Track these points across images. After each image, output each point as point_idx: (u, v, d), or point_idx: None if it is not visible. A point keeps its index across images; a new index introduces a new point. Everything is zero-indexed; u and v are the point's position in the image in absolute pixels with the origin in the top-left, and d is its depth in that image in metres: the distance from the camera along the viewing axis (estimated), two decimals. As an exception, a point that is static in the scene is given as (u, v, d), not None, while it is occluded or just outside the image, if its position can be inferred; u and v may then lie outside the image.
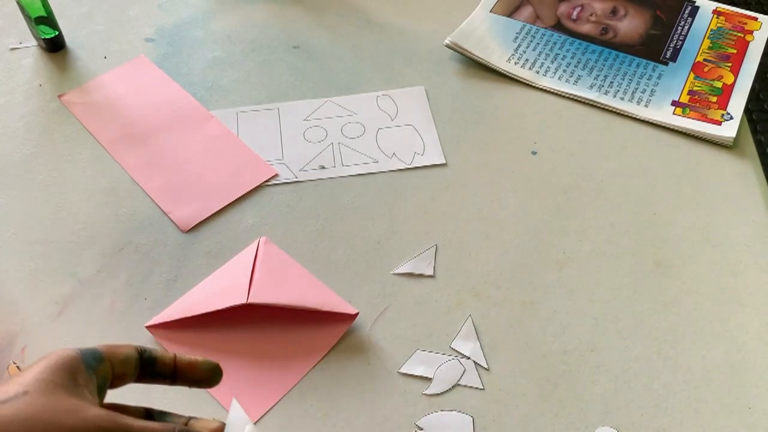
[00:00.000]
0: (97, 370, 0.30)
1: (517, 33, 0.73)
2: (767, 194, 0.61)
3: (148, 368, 0.33)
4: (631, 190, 0.61)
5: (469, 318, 0.53)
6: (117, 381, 0.32)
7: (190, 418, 0.34)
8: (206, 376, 0.34)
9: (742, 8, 0.77)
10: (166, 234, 0.57)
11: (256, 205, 0.59)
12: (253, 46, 0.73)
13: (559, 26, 0.74)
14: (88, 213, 0.59)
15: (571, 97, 0.68)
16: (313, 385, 0.49)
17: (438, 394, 0.49)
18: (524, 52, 0.72)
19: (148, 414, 0.33)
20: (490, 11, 0.76)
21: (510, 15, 0.76)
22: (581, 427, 0.47)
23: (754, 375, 0.50)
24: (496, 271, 0.55)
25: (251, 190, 0.60)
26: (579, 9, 0.76)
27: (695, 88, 0.68)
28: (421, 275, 0.55)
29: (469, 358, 0.50)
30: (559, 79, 0.69)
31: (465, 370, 0.50)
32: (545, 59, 0.71)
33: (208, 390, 0.48)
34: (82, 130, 0.65)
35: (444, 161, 0.63)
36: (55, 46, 0.71)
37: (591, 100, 0.67)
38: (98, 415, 0.27)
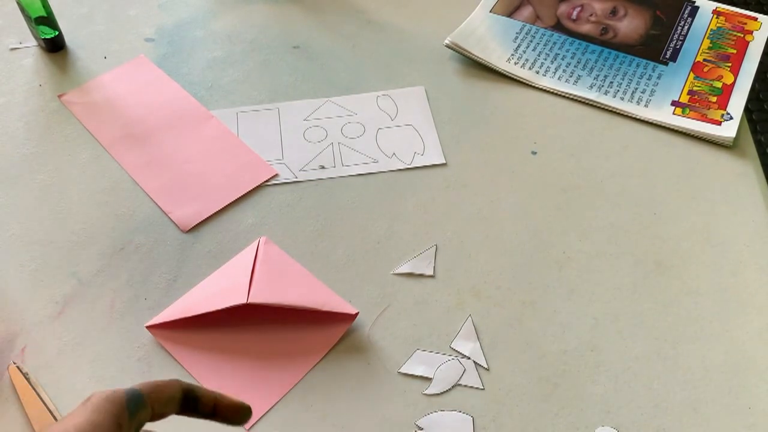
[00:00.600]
0: (138, 415, 0.30)
1: (516, 33, 0.73)
2: (767, 194, 0.61)
3: (191, 405, 0.33)
4: (631, 190, 0.61)
5: (469, 318, 0.53)
6: (156, 417, 0.32)
7: (215, 399, 0.34)
8: (241, 420, 0.35)
9: (742, 8, 0.77)
10: (167, 234, 0.57)
11: (256, 205, 0.59)
12: (253, 46, 0.73)
13: (559, 26, 0.74)
14: (88, 213, 0.59)
15: (571, 97, 0.68)
16: (313, 385, 0.49)
17: (438, 394, 0.49)
18: (524, 52, 0.72)
19: (185, 400, 0.33)
20: (490, 11, 0.76)
21: (510, 15, 0.76)
22: (581, 427, 0.47)
23: (755, 375, 0.50)
24: (496, 271, 0.55)
25: (251, 190, 0.60)
26: (579, 9, 0.76)
27: (695, 88, 0.68)
28: (421, 275, 0.55)
29: (469, 358, 0.50)
30: (559, 79, 0.69)
31: (465, 370, 0.50)
32: (545, 59, 0.71)
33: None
34: (82, 130, 0.65)
35: (444, 161, 0.63)
36: (55, 46, 0.71)
37: (591, 100, 0.67)
38: None
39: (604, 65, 0.70)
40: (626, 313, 0.53)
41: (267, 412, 0.48)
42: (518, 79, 0.69)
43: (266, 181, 0.61)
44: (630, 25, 0.74)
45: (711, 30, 0.74)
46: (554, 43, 0.73)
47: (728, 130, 0.64)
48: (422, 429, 0.47)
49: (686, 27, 0.74)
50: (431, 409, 0.48)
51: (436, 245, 0.57)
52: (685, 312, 0.53)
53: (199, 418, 0.34)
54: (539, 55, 0.71)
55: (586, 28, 0.74)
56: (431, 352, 0.51)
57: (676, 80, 0.69)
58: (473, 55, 0.70)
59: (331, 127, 0.65)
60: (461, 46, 0.71)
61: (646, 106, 0.67)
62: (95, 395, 0.30)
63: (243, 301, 0.50)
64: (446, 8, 0.77)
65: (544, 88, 0.69)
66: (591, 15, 0.75)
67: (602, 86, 0.68)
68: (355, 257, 0.56)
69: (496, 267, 0.56)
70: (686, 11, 0.76)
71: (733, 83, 0.68)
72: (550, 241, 0.57)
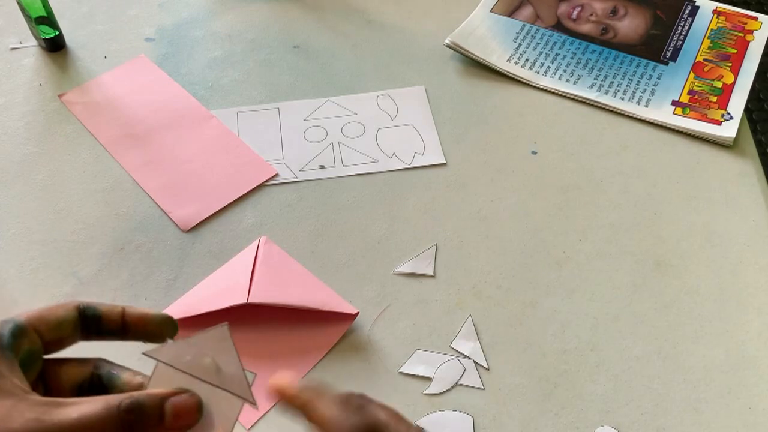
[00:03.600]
0: (15, 345, 0.27)
1: (517, 33, 0.73)
2: (767, 194, 0.61)
3: (93, 326, 0.30)
4: (631, 190, 0.61)
5: (469, 318, 0.53)
6: (53, 347, 0.30)
7: (124, 307, 0.31)
8: (159, 330, 0.32)
9: (742, 8, 0.77)
10: (167, 234, 0.57)
11: (257, 205, 0.59)
12: (253, 46, 0.73)
13: (559, 26, 0.74)
14: (89, 212, 0.59)
15: (571, 96, 0.68)
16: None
17: (438, 394, 0.49)
18: (524, 51, 0.72)
19: (96, 376, 0.31)
20: (490, 11, 0.76)
21: (510, 15, 0.76)
22: (581, 427, 0.47)
23: (755, 374, 0.50)
24: (496, 271, 0.55)
25: (251, 189, 0.60)
26: (579, 9, 0.76)
27: (695, 88, 0.68)
28: (421, 275, 0.55)
29: (469, 357, 0.50)
30: (559, 78, 0.69)
31: (465, 369, 0.50)
32: (545, 59, 0.71)
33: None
34: (82, 129, 0.65)
35: (444, 161, 0.63)
36: (55, 45, 0.71)
37: (591, 100, 0.67)
38: (24, 424, 0.25)
39: (604, 65, 0.70)
40: (626, 313, 0.53)
41: (267, 411, 0.48)
42: (518, 78, 0.69)
43: (266, 180, 0.61)
44: (630, 24, 0.74)
45: (711, 30, 0.74)
46: (554, 43, 0.72)
47: (728, 130, 0.64)
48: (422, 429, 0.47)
49: (686, 27, 0.74)
50: (431, 408, 0.48)
51: (436, 245, 0.57)
52: (685, 312, 0.53)
53: (113, 341, 0.31)
54: (539, 55, 0.71)
55: (586, 27, 0.74)
56: (431, 351, 0.51)
57: (677, 80, 0.69)
58: (473, 54, 0.70)
59: (331, 127, 0.65)
60: (461, 45, 0.71)
61: (646, 105, 0.67)
62: None
63: (243, 301, 0.50)
64: (446, 8, 0.77)
65: (545, 87, 0.69)
66: (591, 15, 0.75)
67: (602, 86, 0.68)
68: (355, 257, 0.56)
69: (496, 267, 0.56)
70: (686, 11, 0.76)
71: (734, 83, 0.68)
72: (550, 240, 0.57)
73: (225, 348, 0.30)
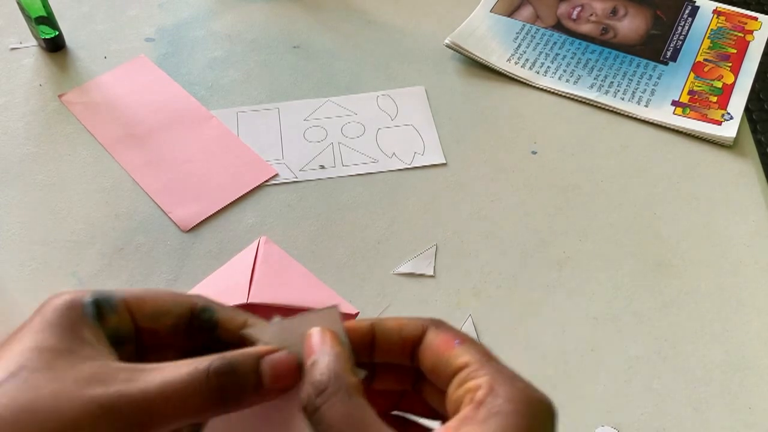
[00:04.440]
0: (105, 321, 0.25)
1: (517, 33, 0.73)
2: (767, 194, 0.61)
3: (205, 332, 0.27)
4: (631, 190, 0.61)
5: (469, 318, 0.53)
6: (148, 336, 0.27)
7: (245, 320, 0.27)
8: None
9: (743, 8, 0.77)
10: (167, 234, 0.57)
11: (256, 205, 0.59)
12: (253, 46, 0.73)
13: (559, 26, 0.74)
14: (89, 213, 0.59)
15: (571, 96, 0.68)
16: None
17: (438, 394, 0.49)
18: (524, 51, 0.72)
19: (194, 316, 0.27)
20: (490, 11, 0.76)
21: (510, 15, 0.76)
22: (581, 427, 0.47)
23: (755, 374, 0.50)
24: (496, 271, 0.55)
25: (251, 189, 0.60)
26: (579, 9, 0.76)
27: (695, 88, 0.68)
28: (421, 275, 0.55)
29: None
30: (559, 78, 0.69)
31: (465, 369, 0.50)
32: (545, 59, 0.71)
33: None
34: (82, 129, 0.65)
35: (444, 161, 0.63)
36: (55, 45, 0.71)
37: (591, 100, 0.67)
38: (103, 395, 0.22)
39: (604, 65, 0.70)
40: (626, 313, 0.53)
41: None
42: (518, 78, 0.69)
43: (266, 181, 0.61)
44: (630, 24, 0.74)
45: (711, 30, 0.74)
46: (554, 43, 0.72)
47: (728, 130, 0.64)
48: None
49: (686, 27, 0.74)
50: (431, 409, 0.48)
51: (436, 245, 0.57)
52: (686, 312, 0.53)
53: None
54: (539, 55, 0.71)
55: (586, 27, 0.74)
56: (431, 352, 0.51)
57: (677, 80, 0.69)
58: (473, 54, 0.70)
59: (331, 127, 0.65)
60: (461, 45, 0.71)
61: (646, 105, 0.67)
62: (48, 302, 0.25)
63: (243, 301, 0.50)
64: (446, 8, 0.77)
65: (545, 87, 0.69)
66: (591, 15, 0.75)
67: (602, 86, 0.68)
68: (355, 257, 0.56)
69: (496, 267, 0.56)
70: (686, 11, 0.76)
71: (734, 83, 0.68)
72: (550, 240, 0.57)
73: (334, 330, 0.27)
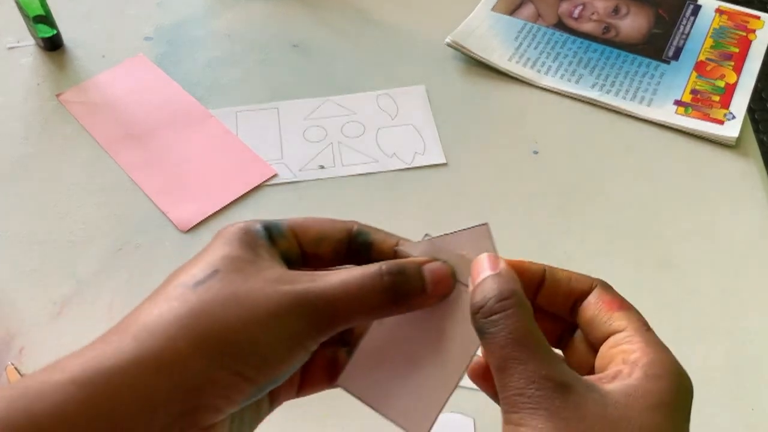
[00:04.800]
0: (278, 244, 0.27)
1: (518, 32, 0.73)
2: (770, 194, 0.61)
3: (363, 252, 0.29)
4: (633, 190, 0.61)
5: (470, 319, 0.52)
6: (312, 260, 0.29)
7: (397, 241, 0.29)
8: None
9: (745, 7, 0.76)
10: (165, 234, 0.57)
11: (256, 205, 0.59)
12: (252, 45, 0.72)
13: (560, 25, 0.74)
14: (87, 213, 0.58)
15: (573, 96, 0.68)
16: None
17: (439, 396, 0.48)
18: (525, 50, 0.71)
19: (352, 240, 0.29)
20: (492, 10, 0.75)
21: (511, 13, 0.75)
22: (583, 429, 0.47)
23: (757, 375, 0.49)
24: (497, 272, 0.55)
25: (251, 189, 0.60)
26: (581, 7, 0.76)
27: (698, 87, 0.68)
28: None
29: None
30: (560, 78, 0.69)
31: (466, 371, 0.49)
32: (547, 58, 0.71)
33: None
34: (80, 129, 0.64)
35: (444, 161, 0.62)
36: (53, 44, 0.71)
37: (593, 100, 0.67)
38: (292, 290, 0.25)
39: (606, 64, 0.70)
40: (628, 313, 0.53)
41: (266, 413, 0.48)
42: (519, 78, 0.69)
43: (266, 180, 0.61)
44: (632, 23, 0.74)
45: (714, 29, 0.73)
46: (556, 42, 0.72)
47: (731, 130, 0.64)
48: (423, 431, 0.47)
49: (689, 26, 0.74)
50: (432, 410, 0.48)
51: (436, 245, 0.56)
52: (688, 312, 0.53)
53: None
54: (541, 54, 0.71)
55: (588, 26, 0.74)
56: (432, 353, 0.50)
57: (679, 79, 0.69)
58: (474, 54, 0.70)
59: (331, 127, 0.65)
60: (462, 44, 0.70)
61: (648, 105, 0.66)
62: (225, 229, 0.27)
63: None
64: (447, 7, 0.76)
65: (546, 87, 0.68)
66: (593, 13, 0.75)
67: (604, 85, 0.68)
68: (355, 257, 0.56)
69: (497, 267, 0.55)
70: (689, 10, 0.75)
71: (736, 82, 0.68)
72: (551, 241, 0.57)
73: (484, 248, 0.29)
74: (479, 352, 0.28)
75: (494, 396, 0.27)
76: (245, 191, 0.60)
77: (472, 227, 0.29)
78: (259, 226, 0.28)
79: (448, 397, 0.28)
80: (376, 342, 0.29)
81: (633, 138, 0.65)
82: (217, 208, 0.58)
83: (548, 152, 0.63)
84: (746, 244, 0.57)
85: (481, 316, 0.26)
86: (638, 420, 0.23)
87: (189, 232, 0.57)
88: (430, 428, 0.28)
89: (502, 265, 0.27)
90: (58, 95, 0.67)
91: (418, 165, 0.62)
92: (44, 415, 0.21)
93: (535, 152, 0.63)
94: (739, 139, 0.63)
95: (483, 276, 0.27)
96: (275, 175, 0.61)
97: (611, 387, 0.24)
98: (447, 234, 0.29)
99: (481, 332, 0.26)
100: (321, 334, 0.26)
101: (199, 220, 0.58)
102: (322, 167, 0.62)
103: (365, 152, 0.63)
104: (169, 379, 0.23)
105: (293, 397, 0.30)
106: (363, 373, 0.29)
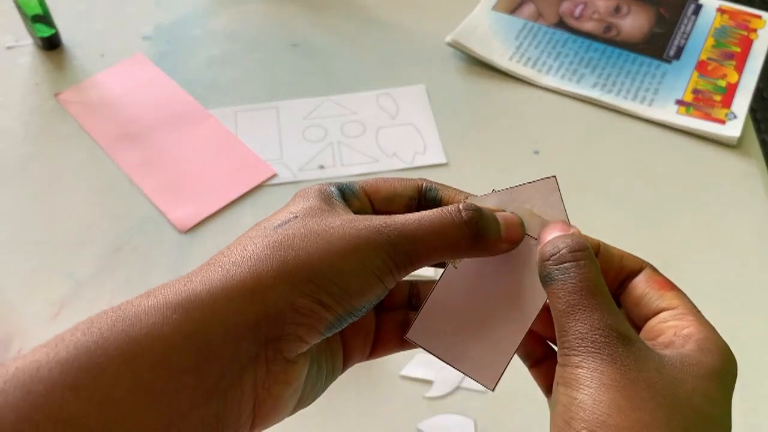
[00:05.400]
0: (350, 202, 0.28)
1: (519, 31, 0.73)
2: (772, 194, 0.60)
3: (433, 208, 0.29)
4: (634, 190, 0.60)
5: (471, 320, 0.52)
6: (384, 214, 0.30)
7: (467, 196, 0.30)
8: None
9: (747, 6, 0.76)
10: (164, 234, 0.57)
11: (255, 205, 0.59)
12: (251, 45, 0.72)
13: (561, 24, 0.74)
14: (85, 213, 0.58)
15: (574, 95, 0.67)
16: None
17: (439, 397, 0.48)
18: (526, 50, 0.71)
19: (422, 196, 0.30)
20: (492, 9, 0.75)
21: (512, 13, 0.75)
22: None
23: (758, 376, 0.49)
24: (498, 272, 0.55)
25: (250, 189, 0.60)
26: (581, 7, 0.75)
27: (699, 87, 0.67)
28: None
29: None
30: (561, 77, 0.69)
31: (466, 372, 0.49)
32: (547, 57, 0.70)
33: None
34: (79, 129, 0.64)
35: (445, 160, 0.62)
36: (51, 44, 0.70)
37: (594, 99, 0.67)
38: (371, 225, 0.26)
39: (607, 63, 0.70)
40: (630, 314, 0.52)
41: (266, 415, 0.47)
42: (520, 77, 0.69)
43: (265, 180, 0.60)
44: (633, 23, 0.74)
45: (715, 28, 0.73)
46: (557, 41, 0.72)
47: (732, 130, 0.63)
48: (423, 433, 0.47)
49: (690, 25, 0.73)
50: (432, 412, 0.47)
51: (437, 246, 0.56)
52: (690, 314, 0.53)
53: None
54: (541, 54, 0.71)
55: (588, 26, 0.73)
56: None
57: (680, 79, 0.68)
58: (475, 53, 0.70)
59: (331, 127, 0.65)
60: (463, 44, 0.70)
61: (649, 105, 0.66)
62: (301, 189, 0.29)
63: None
64: (448, 6, 0.76)
65: (547, 86, 0.68)
66: (594, 13, 0.75)
67: (605, 85, 0.68)
68: (355, 258, 0.55)
69: (498, 268, 0.55)
70: (690, 9, 0.75)
71: (738, 82, 0.68)
72: (553, 241, 0.56)
73: (551, 201, 0.30)
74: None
75: (526, 356, 0.30)
76: (245, 191, 0.59)
77: (540, 180, 0.30)
78: (333, 187, 0.28)
79: (516, 349, 0.29)
80: (443, 296, 0.30)
81: (634, 138, 0.64)
82: (216, 209, 0.58)
83: (549, 152, 0.63)
84: (747, 244, 0.57)
85: (552, 263, 0.27)
86: (692, 383, 0.24)
87: (188, 233, 0.57)
88: (499, 379, 0.29)
89: (574, 228, 0.29)
90: (56, 95, 0.67)
91: (418, 165, 0.62)
92: (142, 336, 0.22)
93: (536, 152, 0.63)
94: (740, 138, 0.63)
95: (555, 234, 0.28)
96: (275, 175, 0.61)
97: (665, 352, 0.25)
98: (514, 187, 0.29)
99: (549, 279, 0.26)
100: (399, 269, 0.26)
101: (198, 221, 0.57)
102: (321, 167, 0.61)
103: (365, 152, 0.63)
104: (254, 305, 0.23)
105: (366, 359, 0.31)
106: (431, 326, 0.29)
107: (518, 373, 0.49)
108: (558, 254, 0.27)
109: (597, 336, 0.24)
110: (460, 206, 0.27)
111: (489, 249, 0.28)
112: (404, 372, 0.49)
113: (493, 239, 0.28)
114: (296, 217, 0.26)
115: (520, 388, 0.49)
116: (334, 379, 0.30)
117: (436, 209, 0.27)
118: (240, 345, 0.23)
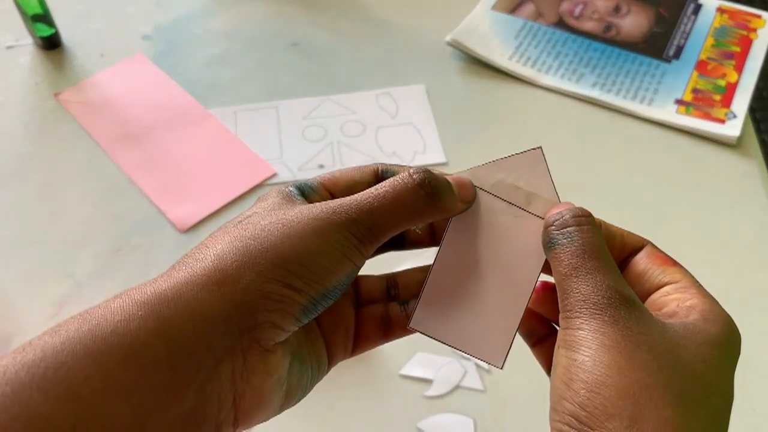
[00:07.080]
0: (308, 197, 0.29)
1: (518, 30, 0.73)
2: (772, 193, 0.60)
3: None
4: (634, 190, 0.60)
5: (471, 319, 0.52)
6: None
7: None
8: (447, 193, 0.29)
9: (746, 5, 0.76)
10: (164, 234, 0.57)
11: (255, 205, 0.59)
12: (251, 44, 0.72)
13: (561, 24, 0.74)
14: (85, 213, 0.58)
15: (574, 95, 0.67)
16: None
17: (439, 396, 0.48)
18: (526, 49, 0.71)
19: (379, 179, 0.30)
20: (492, 8, 0.75)
21: (512, 12, 0.75)
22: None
23: (758, 376, 0.49)
24: (498, 272, 0.55)
25: (249, 189, 0.60)
26: (581, 6, 0.75)
27: (699, 86, 0.67)
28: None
29: (470, 359, 0.50)
30: (561, 77, 0.69)
31: (466, 371, 0.49)
32: (547, 57, 0.70)
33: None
34: (78, 128, 0.64)
35: (445, 160, 0.62)
36: (51, 44, 0.70)
37: (593, 99, 0.67)
38: (328, 206, 0.26)
39: (606, 63, 0.70)
40: (629, 314, 0.52)
41: (265, 414, 0.47)
42: (520, 77, 0.69)
43: (265, 180, 0.60)
44: (633, 22, 0.74)
45: (715, 28, 0.73)
46: (556, 41, 0.72)
47: (732, 129, 0.63)
48: (423, 431, 0.47)
49: (690, 24, 0.73)
50: (432, 411, 0.47)
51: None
52: (689, 313, 0.53)
53: None
54: (541, 53, 0.71)
55: (588, 25, 0.73)
56: (432, 353, 0.50)
57: (680, 78, 0.68)
58: (475, 52, 0.70)
59: (331, 126, 0.65)
60: (463, 43, 0.70)
61: (649, 104, 0.66)
62: (261, 196, 0.29)
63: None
64: (448, 5, 0.76)
65: (547, 86, 0.68)
66: (594, 12, 0.75)
67: (605, 84, 0.68)
68: (354, 258, 0.55)
69: (498, 267, 0.55)
70: (689, 8, 0.75)
71: (737, 81, 0.68)
72: (552, 241, 0.57)
73: (538, 172, 0.30)
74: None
75: (528, 335, 0.29)
76: (244, 191, 0.59)
77: (525, 152, 0.30)
78: (292, 187, 0.29)
79: (519, 324, 0.29)
80: (440, 280, 0.30)
81: (633, 137, 0.64)
82: (216, 208, 0.58)
83: (548, 152, 0.63)
84: (747, 243, 0.57)
85: (555, 228, 0.27)
86: (694, 350, 0.24)
87: (188, 232, 0.57)
88: (506, 356, 0.29)
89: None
90: (56, 94, 0.67)
91: (418, 164, 0.62)
92: (108, 333, 0.22)
93: (536, 152, 0.63)
94: (740, 138, 0.63)
95: (557, 206, 0.29)
96: (274, 175, 0.61)
97: (669, 321, 0.25)
98: (497, 160, 0.30)
99: (552, 244, 0.27)
100: (363, 244, 0.26)
101: (198, 220, 0.57)
102: (321, 166, 0.62)
103: (365, 151, 0.63)
104: (222, 297, 0.24)
105: (350, 355, 0.31)
106: (432, 312, 0.29)
107: (518, 372, 0.49)
108: (561, 219, 0.27)
109: (599, 297, 0.24)
110: (410, 170, 0.27)
111: (446, 208, 0.28)
112: (404, 371, 0.49)
113: (448, 197, 0.28)
114: (256, 213, 0.27)
115: (520, 387, 0.49)
116: (321, 377, 0.30)
117: (388, 179, 0.27)
118: (213, 337, 0.23)
